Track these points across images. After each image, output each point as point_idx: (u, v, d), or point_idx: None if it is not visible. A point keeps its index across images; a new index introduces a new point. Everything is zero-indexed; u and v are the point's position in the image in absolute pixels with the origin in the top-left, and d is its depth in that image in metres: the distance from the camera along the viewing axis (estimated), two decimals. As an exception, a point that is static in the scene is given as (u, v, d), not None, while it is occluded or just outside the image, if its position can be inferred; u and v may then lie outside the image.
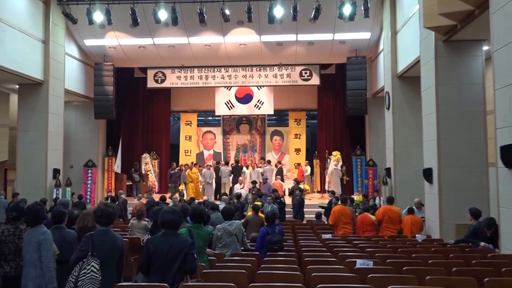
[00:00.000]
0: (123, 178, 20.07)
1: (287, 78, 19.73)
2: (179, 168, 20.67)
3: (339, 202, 12.23)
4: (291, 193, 17.29)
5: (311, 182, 21.31)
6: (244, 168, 19.60)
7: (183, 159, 22.79)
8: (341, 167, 18.97)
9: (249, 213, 11.19)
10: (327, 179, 19.71)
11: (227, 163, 19.76)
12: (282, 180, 18.99)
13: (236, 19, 16.50)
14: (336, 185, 19.53)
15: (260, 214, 10.16)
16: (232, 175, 19.05)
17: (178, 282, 4.71)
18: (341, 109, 20.74)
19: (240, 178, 18.14)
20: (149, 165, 21.29)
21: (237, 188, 17.47)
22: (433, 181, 11.13)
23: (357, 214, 12.20)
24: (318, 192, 21.08)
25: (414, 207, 11.69)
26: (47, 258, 5.25)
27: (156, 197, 14.71)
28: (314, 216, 13.05)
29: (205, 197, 18.22)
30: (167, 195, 18.87)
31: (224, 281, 4.98)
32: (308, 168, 21.10)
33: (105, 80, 18.81)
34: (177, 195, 15.12)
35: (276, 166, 19.91)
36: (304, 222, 13.82)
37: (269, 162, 19.80)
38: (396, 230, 10.99)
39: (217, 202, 12.80)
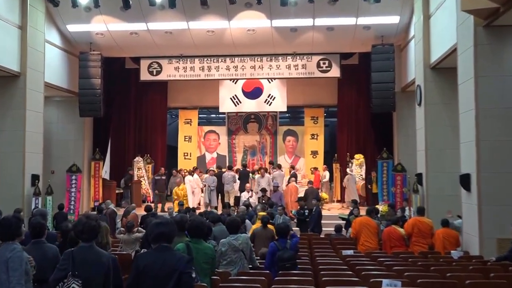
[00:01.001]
0: (112, 185, 20.20)
1: (303, 70, 19.76)
2: (177, 172, 20.74)
3: (364, 213, 12.24)
4: (305, 195, 17.37)
5: (330, 190, 21.33)
6: (251, 174, 19.65)
7: (181, 163, 22.88)
8: (367, 172, 18.96)
9: (256, 225, 11.26)
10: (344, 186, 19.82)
11: (230, 168, 19.79)
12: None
13: (243, 1, 16.56)
14: (352, 192, 19.55)
15: (270, 226, 10.20)
16: (236, 182, 19.14)
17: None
18: (365, 105, 20.72)
19: (248, 185, 18.19)
20: (142, 170, 21.39)
21: (245, 196, 17.52)
22: (472, 189, 11.11)
23: (382, 227, 12.19)
24: (338, 201, 21.11)
25: (449, 218, 11.68)
26: (14, 279, 5.10)
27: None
28: (333, 229, 13.06)
29: (201, 207, 18.37)
30: (165, 205, 19.01)
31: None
32: (327, 174, 21.11)
33: (91, 72, 18.93)
34: (170, 205, 15.21)
35: (289, 171, 19.95)
36: (322, 236, 13.84)
37: (279, 166, 19.81)
38: (427, 245, 10.98)
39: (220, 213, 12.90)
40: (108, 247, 8.29)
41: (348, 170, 20.72)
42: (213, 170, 19.61)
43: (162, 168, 20.48)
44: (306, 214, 15.00)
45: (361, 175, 20.44)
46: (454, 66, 12.37)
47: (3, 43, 15.15)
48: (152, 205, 17.24)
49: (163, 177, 19.65)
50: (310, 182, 18.30)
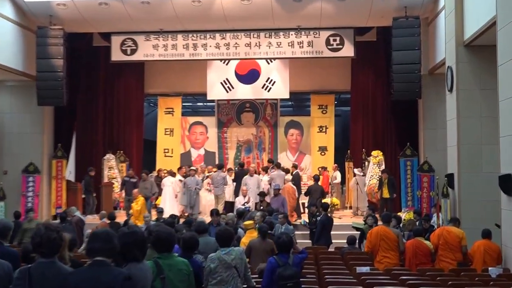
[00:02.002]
0: (78, 188, 20.16)
1: (309, 48, 19.73)
2: (156, 175, 20.72)
3: (379, 222, 12.24)
4: (308, 193, 17.38)
5: (341, 194, 21.33)
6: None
7: (161, 162, 22.89)
8: (383, 172, 18.96)
9: (250, 235, 11.25)
10: (350, 188, 19.95)
11: (221, 167, 19.76)
12: (299, 191, 19.08)
13: (236, -35, 16.53)
14: (360, 197, 19.62)
15: (269, 239, 10.21)
16: (228, 184, 19.23)
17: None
18: (385, 91, 20.75)
19: (244, 188, 18.15)
20: (114, 170, 21.38)
21: (240, 202, 17.50)
22: (514, 193, 11.09)
23: (404, 239, 12.19)
24: (351, 207, 21.14)
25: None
26: None
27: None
28: (345, 241, 13.06)
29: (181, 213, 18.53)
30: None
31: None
32: (338, 175, 21.13)
33: (52, 51, 18.84)
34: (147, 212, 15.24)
35: (291, 171, 19.91)
36: (332, 249, 13.83)
37: (278, 166, 19.72)
38: (455, 261, 10.92)
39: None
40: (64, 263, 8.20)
41: (356, 170, 20.73)
42: (194, 169, 19.58)
43: (131, 170, 20.45)
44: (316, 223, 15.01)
45: (380, 176, 20.42)
46: (493, 44, 12.34)
47: None
48: (117, 212, 17.22)
49: (133, 179, 19.48)
50: (316, 178, 18.35)
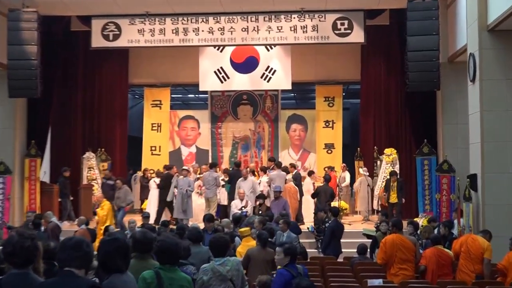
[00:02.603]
0: (54, 191, 20.09)
1: (313, 33, 19.67)
2: (142, 175, 20.70)
3: (390, 228, 12.19)
4: (316, 195, 17.33)
5: (351, 197, 21.31)
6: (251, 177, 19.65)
7: (148, 161, 22.89)
8: (391, 174, 18.87)
9: (246, 243, 11.24)
10: (354, 190, 19.96)
11: (213, 166, 19.67)
12: (301, 194, 19.11)
13: None
14: (363, 200, 19.62)
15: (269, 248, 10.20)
16: (220, 186, 19.19)
17: None
18: (399, 81, 20.73)
19: (241, 190, 18.08)
20: (94, 170, 21.36)
21: (236, 206, 17.43)
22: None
23: (421, 249, 12.17)
24: (361, 212, 21.10)
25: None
26: None
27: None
28: (355, 250, 13.05)
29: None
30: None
31: None
32: (347, 175, 21.13)
33: (24, 37, 18.76)
34: (133, 217, 15.22)
35: (290, 172, 19.78)
36: (341, 260, 13.82)
37: (278, 165, 19.52)
38: (474, 274, 10.86)
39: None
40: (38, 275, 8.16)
41: (361, 170, 20.73)
42: (186, 170, 19.47)
43: (108, 171, 20.47)
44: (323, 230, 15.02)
45: (388, 178, 20.37)
46: (520, 28, 12.35)
47: None
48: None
49: (110, 181, 19.43)
50: (327, 178, 18.33)
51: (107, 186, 19.37)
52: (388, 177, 19.07)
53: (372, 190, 20.45)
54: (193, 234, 9.78)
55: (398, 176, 19.06)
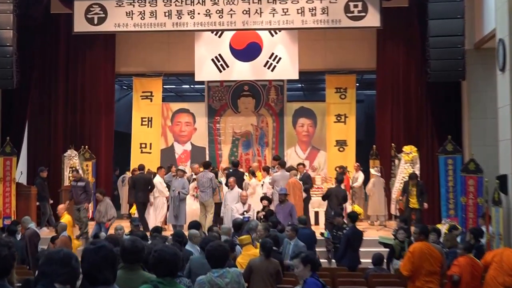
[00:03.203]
0: (31, 193, 20.02)
1: (323, 16, 19.60)
2: (130, 176, 20.65)
3: (416, 235, 12.12)
4: (326, 197, 17.30)
5: (365, 201, 21.29)
6: (246, 176, 19.61)
7: (137, 160, 22.74)
8: (410, 177, 18.73)
9: (247, 252, 11.25)
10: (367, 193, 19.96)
11: (208, 166, 19.39)
12: (309, 197, 19.11)
13: None
14: (377, 204, 19.55)
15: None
16: (217, 188, 19.06)
17: None
18: (419, 70, 20.69)
19: (244, 193, 18.03)
20: (77, 170, 21.30)
21: (238, 211, 17.35)
22: None
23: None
24: (377, 218, 21.06)
25: None
26: None
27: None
28: (370, 260, 13.03)
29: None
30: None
31: None
32: (360, 176, 21.08)
33: (-2, 20, 18.82)
34: (120, 223, 15.21)
35: (299, 171, 19.69)
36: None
37: (282, 164, 19.45)
38: (504, 285, 10.82)
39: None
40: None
41: (373, 170, 20.67)
42: (182, 170, 19.33)
43: (77, 171, 19.68)
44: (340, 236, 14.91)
45: (406, 180, 20.29)
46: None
47: None
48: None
49: (81, 183, 18.89)
50: (339, 179, 18.21)
51: (77, 189, 18.82)
52: (407, 179, 18.92)
53: (389, 193, 20.44)
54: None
55: (419, 179, 18.89)
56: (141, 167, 20.27)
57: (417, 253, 11.22)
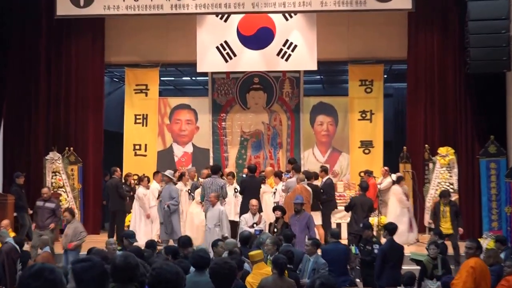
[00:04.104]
0: (8, 202, 20.07)
1: (345, -3, 19.74)
2: (123, 182, 20.73)
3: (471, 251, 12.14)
4: (350, 208, 17.30)
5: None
6: (263, 185, 19.64)
7: (130, 164, 23.01)
8: (442, 195, 18.58)
9: (258, 271, 11.34)
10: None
11: (217, 171, 19.03)
12: (331, 207, 19.10)
13: None
14: (398, 216, 19.40)
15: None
16: (228, 196, 18.99)
17: None
18: (457, 60, 20.77)
19: (254, 202, 17.67)
20: (61, 175, 21.36)
21: (246, 222, 17.33)
22: None
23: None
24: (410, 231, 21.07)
25: None
26: None
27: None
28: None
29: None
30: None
31: None
32: (386, 181, 21.07)
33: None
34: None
35: (320, 177, 19.79)
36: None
37: (296, 169, 19.35)
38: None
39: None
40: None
41: (393, 176, 20.43)
42: (167, 176, 18.94)
43: (45, 189, 19.02)
44: (376, 251, 14.80)
45: (451, 184, 20.29)
46: None
47: None
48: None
49: (50, 204, 18.35)
50: (364, 186, 18.24)
51: (44, 210, 18.15)
52: (437, 198, 18.44)
53: (422, 201, 20.42)
54: (193, 259, 9.61)
55: (452, 197, 18.29)
56: (113, 171, 20.57)
57: (478, 270, 11.28)
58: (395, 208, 19.58)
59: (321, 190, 19.01)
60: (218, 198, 17.52)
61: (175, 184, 19.14)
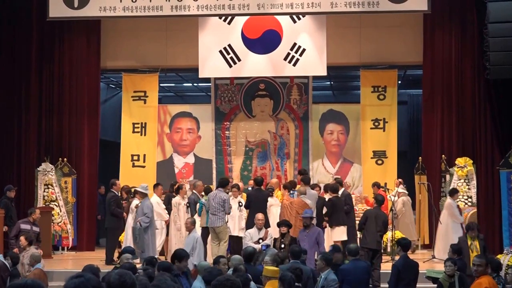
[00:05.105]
0: (-2, 217, 20.12)
1: (357, -2, 19.67)
2: (120, 196, 20.61)
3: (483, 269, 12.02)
4: (364, 223, 17.18)
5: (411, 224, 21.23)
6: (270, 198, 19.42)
7: (128, 175, 22.91)
8: (469, 228, 18.33)
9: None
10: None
11: (224, 184, 18.88)
12: (354, 221, 18.92)
13: None
14: (407, 228, 19.26)
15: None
16: (231, 212, 18.80)
17: None
18: (476, 65, 20.69)
19: (260, 217, 17.54)
20: (54, 188, 21.31)
21: (251, 238, 17.29)
22: None
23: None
24: (425, 246, 21.12)
25: None
26: None
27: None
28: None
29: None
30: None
31: None
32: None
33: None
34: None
35: (328, 191, 19.56)
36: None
37: (306, 181, 19.38)
38: None
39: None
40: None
41: (400, 188, 20.38)
42: (141, 192, 18.94)
43: (37, 212, 18.65)
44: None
45: (469, 197, 20.27)
46: None
47: None
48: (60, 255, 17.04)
49: (36, 228, 18.20)
50: (379, 200, 17.92)
51: (32, 234, 17.72)
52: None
53: (438, 215, 20.29)
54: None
55: (479, 231, 17.23)
56: (111, 184, 20.32)
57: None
58: (446, 223, 19.25)
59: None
60: (194, 225, 17.22)
61: (174, 196, 19.14)
